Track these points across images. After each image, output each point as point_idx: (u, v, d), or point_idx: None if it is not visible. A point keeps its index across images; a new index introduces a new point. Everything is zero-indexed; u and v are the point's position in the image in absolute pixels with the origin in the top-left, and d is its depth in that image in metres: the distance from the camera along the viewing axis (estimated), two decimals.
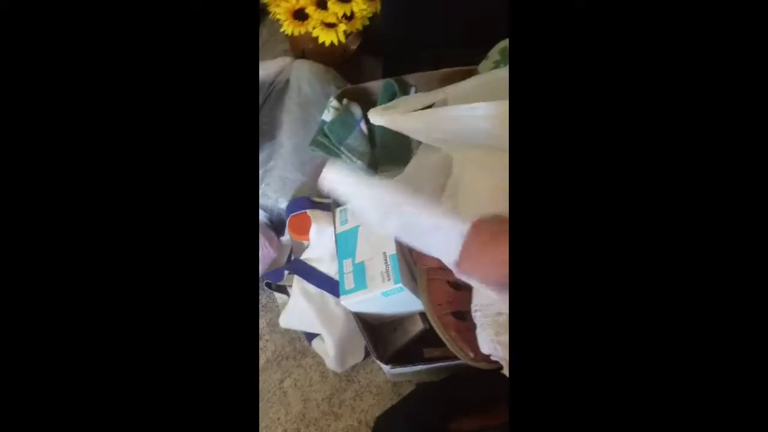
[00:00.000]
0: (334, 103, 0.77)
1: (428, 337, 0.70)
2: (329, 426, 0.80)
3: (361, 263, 0.67)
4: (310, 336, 0.84)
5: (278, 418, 0.82)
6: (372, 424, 0.78)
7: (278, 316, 0.84)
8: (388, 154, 0.79)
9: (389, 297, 0.65)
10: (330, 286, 0.77)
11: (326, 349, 0.79)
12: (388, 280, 0.64)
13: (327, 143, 0.76)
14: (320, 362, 0.84)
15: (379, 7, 0.89)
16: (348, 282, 0.67)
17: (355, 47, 0.94)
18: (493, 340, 0.58)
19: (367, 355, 0.81)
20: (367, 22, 0.92)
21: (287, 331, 0.86)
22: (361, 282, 0.66)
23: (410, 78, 0.80)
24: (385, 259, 0.66)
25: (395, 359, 0.73)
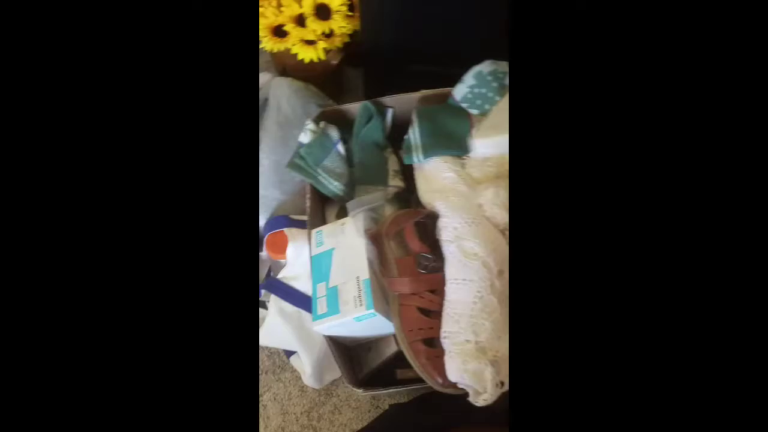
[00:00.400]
0: (311, 125, 0.77)
1: (402, 358, 0.71)
2: None
3: (335, 287, 0.68)
4: (289, 352, 0.85)
5: None
6: None
7: None
8: (365, 174, 0.80)
9: (361, 322, 0.66)
10: (307, 304, 0.77)
11: (303, 366, 0.80)
12: (361, 305, 0.65)
13: (304, 165, 0.77)
14: (299, 377, 0.85)
15: (358, 23, 0.88)
16: (321, 307, 0.68)
17: (336, 62, 0.94)
18: (460, 369, 0.60)
19: None
20: (347, 39, 0.91)
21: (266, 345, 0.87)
22: (333, 307, 0.67)
23: (388, 100, 0.80)
24: (358, 284, 0.67)
25: (369, 380, 0.74)
